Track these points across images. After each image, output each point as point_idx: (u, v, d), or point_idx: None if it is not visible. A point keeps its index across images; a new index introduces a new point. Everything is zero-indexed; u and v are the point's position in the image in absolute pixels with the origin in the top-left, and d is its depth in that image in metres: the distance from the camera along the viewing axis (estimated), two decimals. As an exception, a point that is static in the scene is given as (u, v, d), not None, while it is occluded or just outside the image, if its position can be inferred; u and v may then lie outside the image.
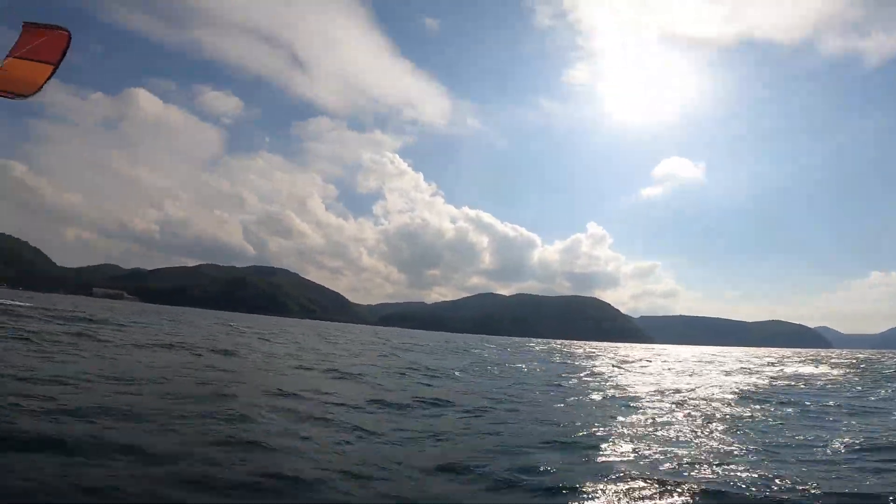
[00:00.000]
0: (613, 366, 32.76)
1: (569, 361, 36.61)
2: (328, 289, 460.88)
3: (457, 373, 21.85)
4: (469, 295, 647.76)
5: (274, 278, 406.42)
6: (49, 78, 6.89)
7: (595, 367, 31.02)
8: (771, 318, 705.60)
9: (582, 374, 24.71)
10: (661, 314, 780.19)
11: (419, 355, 32.32)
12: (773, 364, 42.05)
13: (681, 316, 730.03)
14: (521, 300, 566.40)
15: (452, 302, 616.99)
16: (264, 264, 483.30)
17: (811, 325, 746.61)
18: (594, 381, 21.07)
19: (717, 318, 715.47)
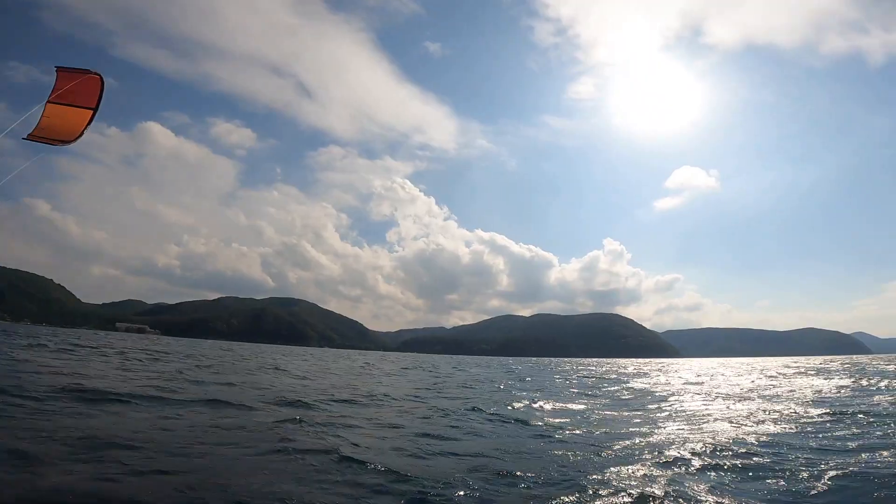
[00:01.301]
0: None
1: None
2: (346, 317, 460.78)
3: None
4: (489, 317, 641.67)
5: (293, 308, 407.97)
6: (89, 123, 7.06)
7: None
8: (805, 326, 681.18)
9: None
10: (686, 328, 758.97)
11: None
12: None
13: (709, 328, 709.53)
14: (543, 320, 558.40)
15: (472, 325, 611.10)
16: (283, 295, 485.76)
17: (846, 331, 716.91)
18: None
19: (749, 329, 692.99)
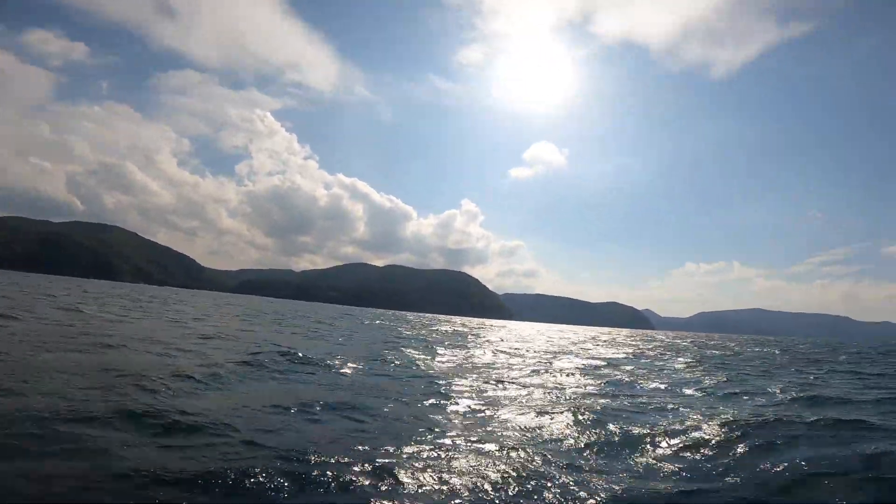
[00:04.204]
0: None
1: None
2: (175, 251, 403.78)
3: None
4: (341, 264, 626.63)
5: (103, 237, 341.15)
6: None
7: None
8: (611, 301, 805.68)
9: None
10: (522, 292, 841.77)
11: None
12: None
13: (540, 295, 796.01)
14: (396, 272, 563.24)
15: (324, 271, 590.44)
16: (97, 221, 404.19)
17: (640, 307, 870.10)
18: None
19: (570, 299, 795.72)
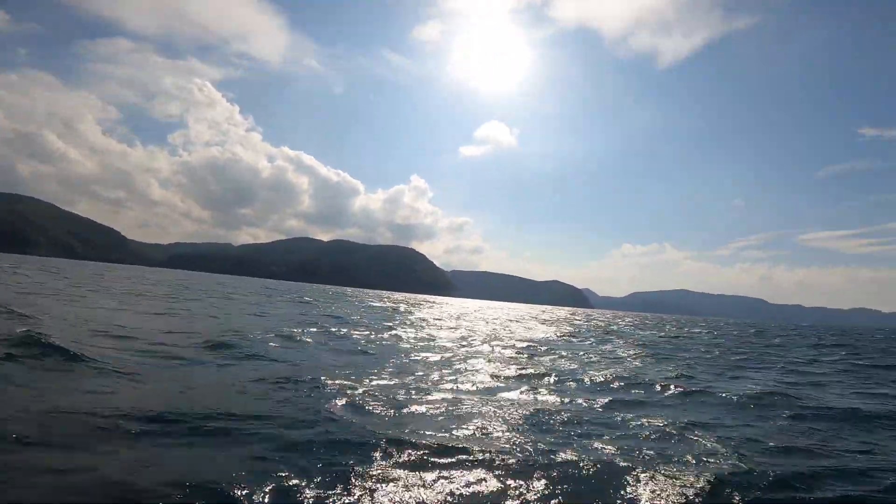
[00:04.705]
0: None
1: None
2: (99, 223, 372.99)
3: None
4: (285, 238, 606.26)
5: (15, 207, 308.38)
6: None
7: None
8: (554, 279, 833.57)
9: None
10: (469, 269, 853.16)
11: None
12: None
13: (486, 272, 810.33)
14: (342, 246, 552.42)
15: (265, 245, 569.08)
16: (8, 191, 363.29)
17: (580, 286, 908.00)
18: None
19: (514, 277, 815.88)
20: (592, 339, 26.14)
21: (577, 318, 69.53)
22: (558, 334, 28.21)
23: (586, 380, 11.27)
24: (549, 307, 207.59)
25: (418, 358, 12.91)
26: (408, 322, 26.98)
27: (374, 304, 48.84)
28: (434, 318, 33.28)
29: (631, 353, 19.50)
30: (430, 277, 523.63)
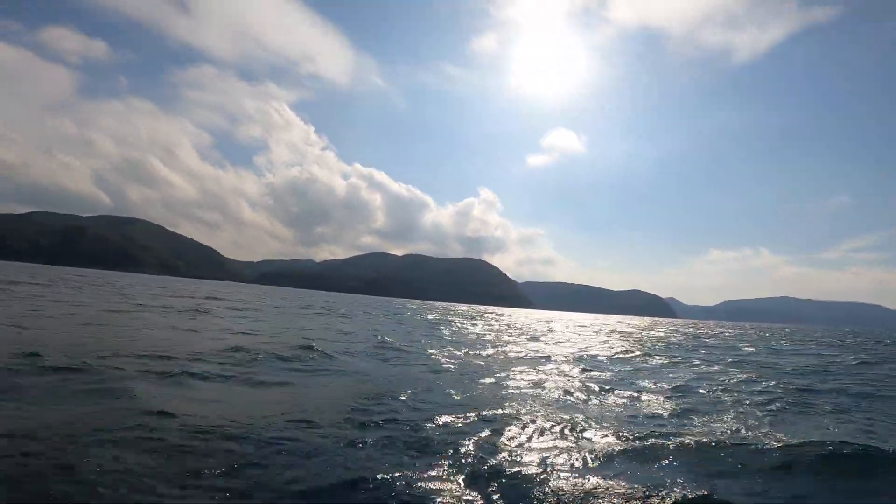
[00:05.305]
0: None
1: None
2: (199, 243, 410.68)
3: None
4: (361, 253, 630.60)
5: (128, 229, 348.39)
6: None
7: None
8: (632, 288, 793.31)
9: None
10: (542, 280, 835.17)
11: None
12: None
13: (561, 283, 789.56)
14: (415, 260, 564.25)
15: (343, 261, 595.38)
16: (122, 215, 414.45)
17: (663, 295, 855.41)
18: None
19: (590, 287, 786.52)
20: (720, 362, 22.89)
21: (672, 331, 64.12)
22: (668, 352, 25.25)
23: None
24: (631, 317, 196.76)
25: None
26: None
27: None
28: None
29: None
30: (503, 290, 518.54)
